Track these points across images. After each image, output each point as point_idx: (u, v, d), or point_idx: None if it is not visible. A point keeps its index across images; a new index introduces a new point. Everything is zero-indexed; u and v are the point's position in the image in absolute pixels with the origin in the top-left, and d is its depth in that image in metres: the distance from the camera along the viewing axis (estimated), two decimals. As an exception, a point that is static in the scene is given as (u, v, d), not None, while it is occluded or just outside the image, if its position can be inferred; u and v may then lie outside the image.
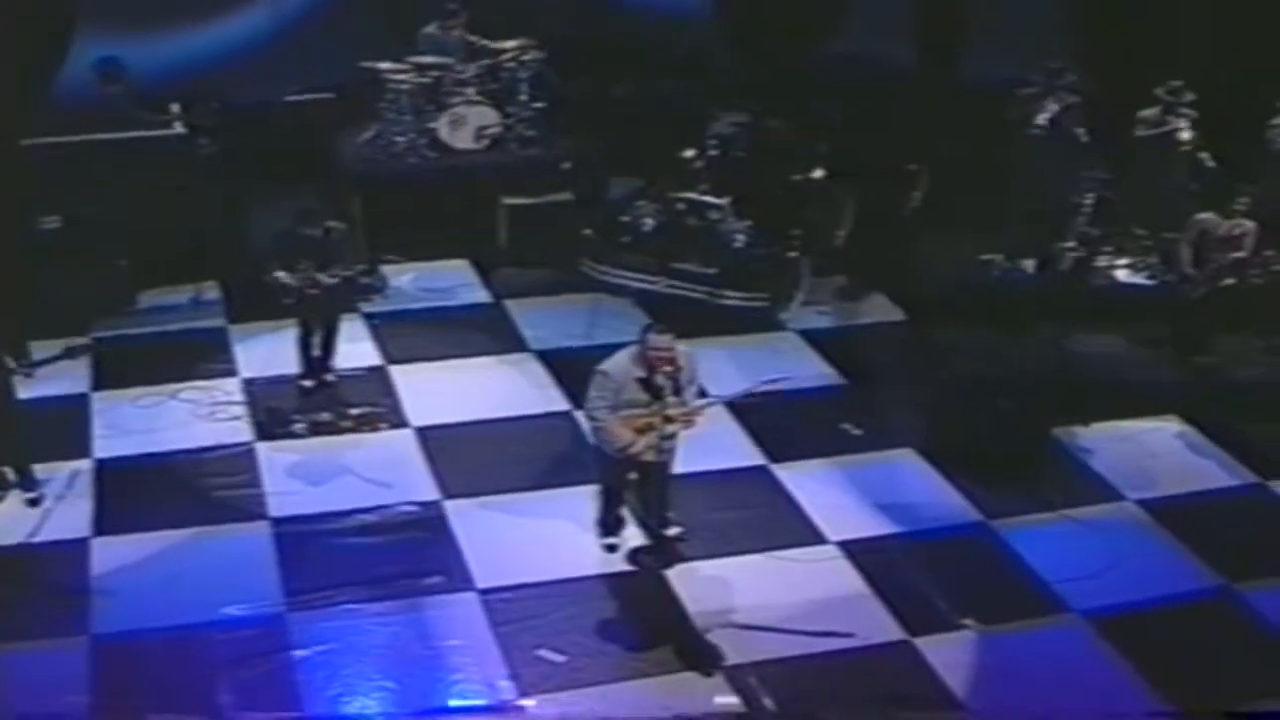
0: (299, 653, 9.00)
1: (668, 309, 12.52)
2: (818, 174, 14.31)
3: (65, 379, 11.97)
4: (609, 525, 10.04)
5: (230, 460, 10.98)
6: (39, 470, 10.50)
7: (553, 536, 10.17)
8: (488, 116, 14.59)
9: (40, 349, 12.09)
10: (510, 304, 13.61)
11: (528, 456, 11.12)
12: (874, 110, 14.75)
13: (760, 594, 9.64)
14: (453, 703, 8.67)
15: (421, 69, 14.48)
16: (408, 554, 9.99)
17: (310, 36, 14.87)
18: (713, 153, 14.32)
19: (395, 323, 13.15)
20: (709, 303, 13.39)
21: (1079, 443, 11.54)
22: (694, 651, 9.10)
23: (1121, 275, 13.27)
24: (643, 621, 9.41)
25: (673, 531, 9.98)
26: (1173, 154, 13.20)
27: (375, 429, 11.53)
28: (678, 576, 9.78)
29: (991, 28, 14.58)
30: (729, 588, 9.74)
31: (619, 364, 9.38)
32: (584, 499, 10.18)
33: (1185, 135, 13.12)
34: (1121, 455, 11.41)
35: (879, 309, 13.75)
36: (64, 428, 11.22)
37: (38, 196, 12.61)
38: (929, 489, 10.93)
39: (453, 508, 10.48)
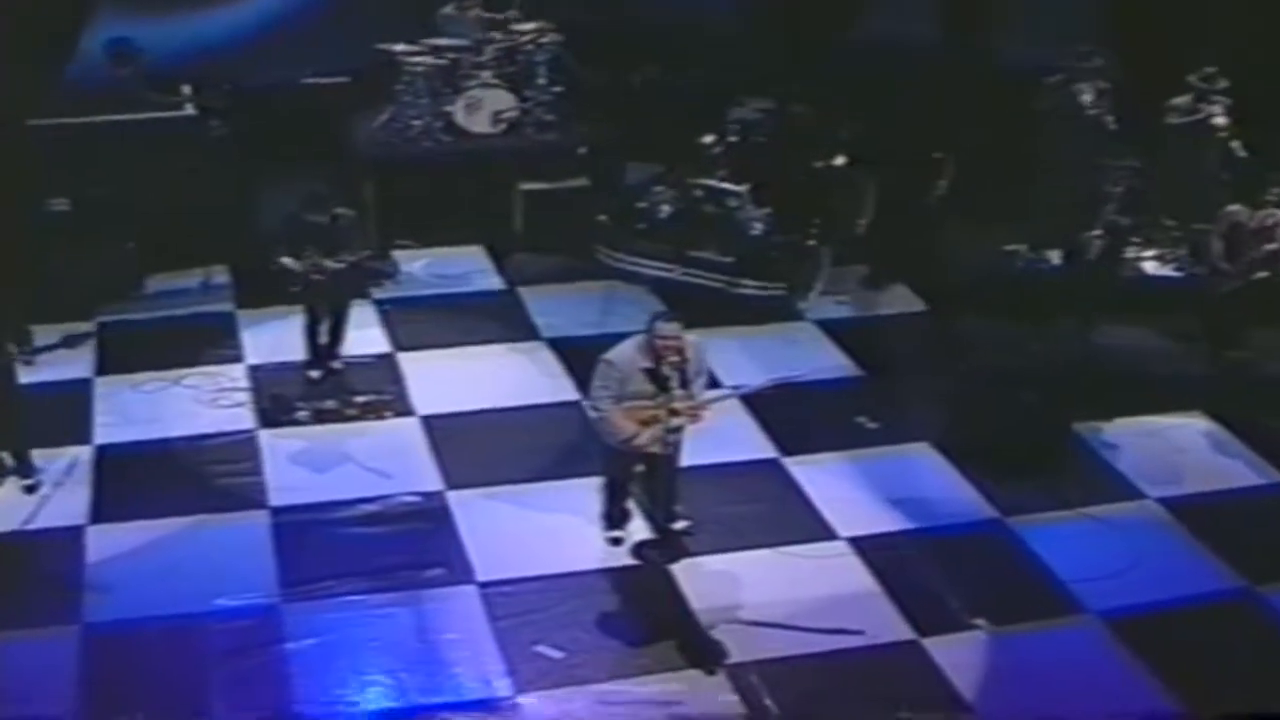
0: (294, 645, 8.81)
1: (683, 297, 12.38)
2: (839, 161, 14.02)
3: (68, 364, 11.83)
4: (614, 518, 9.81)
5: (232, 448, 10.81)
6: (39, 456, 10.37)
7: (557, 529, 9.96)
8: (504, 100, 14.36)
9: (44, 333, 11.95)
10: (523, 291, 13.42)
11: (535, 447, 10.90)
12: (898, 97, 14.43)
13: (767, 590, 9.40)
14: (448, 699, 8.46)
15: (438, 51, 14.29)
16: (408, 545, 9.80)
17: (325, 18, 14.68)
18: (732, 138, 14.04)
19: (406, 309, 12.97)
20: (726, 291, 13.14)
21: (1102, 438, 11.23)
22: (697, 649, 8.85)
23: (1149, 267, 13.04)
24: (645, 617, 9.16)
25: (680, 525, 9.73)
26: (1205, 142, 12.95)
27: (381, 417, 11.36)
28: (683, 571, 9.53)
29: (1018, 12, 14.31)
30: (735, 583, 9.50)
31: (624, 353, 9.10)
32: (591, 491, 9.95)
33: (1220, 122, 12.85)
34: (1145, 451, 11.10)
35: (899, 299, 13.48)
36: (65, 413, 11.08)
37: (45, 178, 12.48)
38: (944, 484, 10.65)
39: (456, 499, 10.28)
